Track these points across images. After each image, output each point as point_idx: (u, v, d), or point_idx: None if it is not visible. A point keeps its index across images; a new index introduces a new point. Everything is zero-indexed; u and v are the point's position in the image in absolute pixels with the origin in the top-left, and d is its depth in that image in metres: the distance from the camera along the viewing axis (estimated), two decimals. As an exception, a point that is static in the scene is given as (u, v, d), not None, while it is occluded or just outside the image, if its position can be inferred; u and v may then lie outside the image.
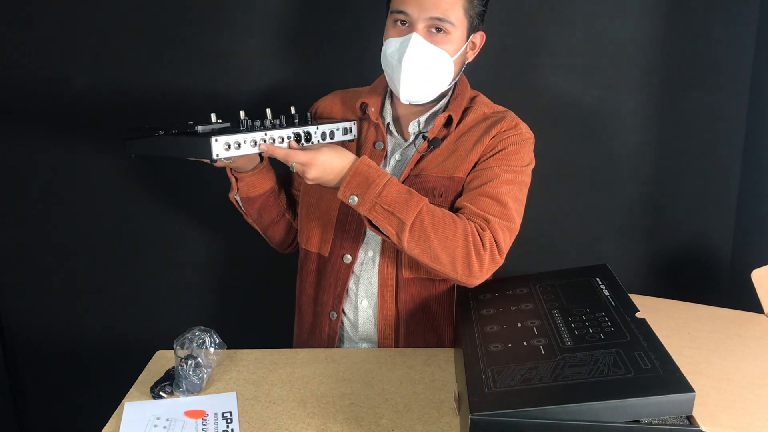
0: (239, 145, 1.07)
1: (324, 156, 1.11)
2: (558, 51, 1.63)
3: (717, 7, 1.58)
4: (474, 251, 1.12)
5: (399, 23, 1.18)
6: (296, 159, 1.10)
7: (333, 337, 1.30)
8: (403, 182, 1.23)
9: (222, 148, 1.05)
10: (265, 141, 1.10)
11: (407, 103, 1.25)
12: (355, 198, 1.12)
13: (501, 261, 1.17)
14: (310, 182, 1.14)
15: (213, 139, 1.04)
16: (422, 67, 1.17)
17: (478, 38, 1.24)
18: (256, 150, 1.10)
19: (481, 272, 1.14)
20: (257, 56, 1.65)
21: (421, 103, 1.25)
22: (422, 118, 1.27)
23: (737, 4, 1.57)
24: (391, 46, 1.19)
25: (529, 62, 1.64)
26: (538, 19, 1.61)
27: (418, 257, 1.13)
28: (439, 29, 1.16)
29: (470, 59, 1.26)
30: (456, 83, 1.29)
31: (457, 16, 1.16)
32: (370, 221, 1.14)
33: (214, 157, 1.05)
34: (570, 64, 1.63)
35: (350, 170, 1.12)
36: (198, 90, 1.66)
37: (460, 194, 1.22)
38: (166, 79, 1.65)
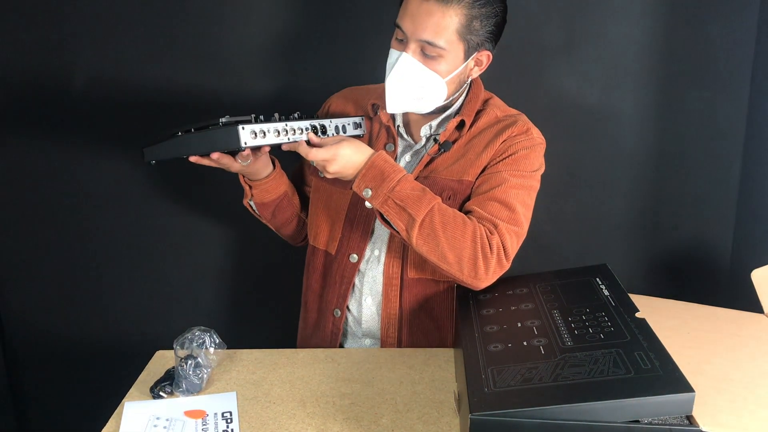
0: (264, 134, 1.10)
1: (345, 150, 1.13)
2: (558, 51, 1.63)
3: (717, 7, 1.58)
4: (481, 254, 1.13)
5: (399, 36, 1.18)
6: (318, 157, 1.12)
7: (336, 334, 1.31)
8: None
9: (249, 136, 1.08)
10: (287, 132, 1.13)
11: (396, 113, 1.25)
12: (369, 191, 1.13)
13: (507, 266, 1.17)
14: (330, 176, 1.16)
15: (240, 127, 1.06)
16: (408, 85, 1.17)
17: (484, 57, 1.21)
18: (278, 140, 1.12)
19: (486, 275, 1.15)
20: (259, 58, 1.65)
21: (420, 113, 1.25)
22: (434, 123, 1.27)
23: (737, 4, 1.57)
24: (390, 57, 1.20)
25: (530, 62, 1.64)
26: (538, 19, 1.61)
27: (425, 255, 1.14)
28: (430, 51, 1.15)
29: (475, 75, 1.24)
30: (470, 86, 1.29)
31: (449, 39, 1.14)
32: (382, 216, 1.15)
33: (242, 145, 1.07)
34: (570, 64, 1.63)
35: (366, 163, 1.13)
36: (199, 92, 1.65)
37: (468, 197, 1.22)
38: (167, 80, 1.65)
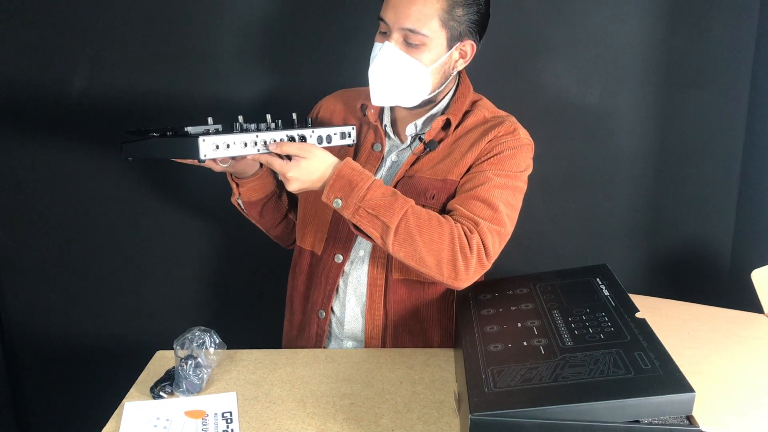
0: (228, 145, 1.07)
1: (298, 170, 1.11)
2: (558, 51, 1.63)
3: (717, 7, 1.58)
4: (460, 254, 1.11)
5: (382, 29, 1.18)
6: (283, 171, 1.11)
7: (321, 336, 1.30)
8: (396, 183, 1.23)
9: (210, 148, 1.06)
10: (255, 143, 1.11)
11: (384, 105, 1.25)
12: (339, 201, 1.12)
13: (488, 265, 1.15)
14: (296, 193, 1.15)
15: (201, 139, 1.04)
16: (391, 75, 1.17)
17: (468, 47, 1.21)
18: (246, 151, 1.10)
19: (467, 275, 1.13)
20: (258, 58, 1.65)
21: (407, 107, 1.25)
22: (419, 121, 1.27)
23: (737, 4, 1.57)
24: (373, 49, 1.20)
25: (529, 62, 1.64)
26: (538, 19, 1.61)
27: (403, 260, 1.12)
28: (413, 40, 1.15)
29: (460, 68, 1.24)
30: (457, 86, 1.28)
31: (432, 27, 1.14)
32: (355, 226, 1.14)
33: (202, 157, 1.05)
34: (570, 64, 1.63)
35: (333, 174, 1.12)
36: (199, 92, 1.66)
37: (452, 197, 1.21)
38: (167, 81, 1.65)
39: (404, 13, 1.13)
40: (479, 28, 1.21)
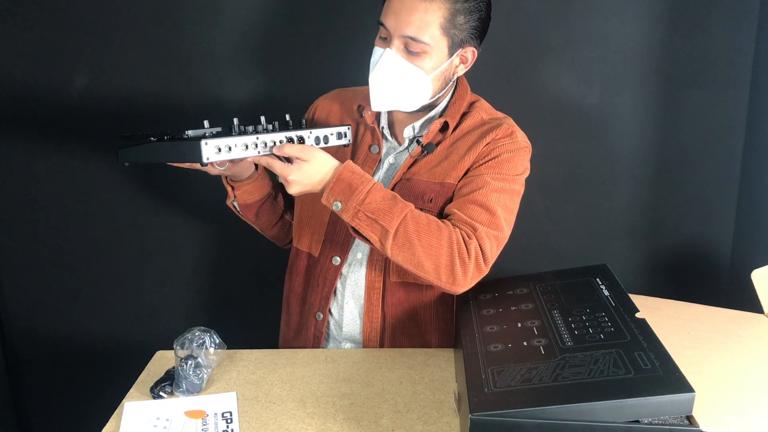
0: (230, 148, 1.07)
1: (299, 173, 1.10)
2: (558, 51, 1.63)
3: (717, 7, 1.58)
4: (458, 259, 1.11)
5: (382, 34, 1.18)
6: (283, 174, 1.11)
7: (319, 338, 1.30)
8: (394, 186, 1.23)
9: (212, 151, 1.05)
10: (256, 145, 1.10)
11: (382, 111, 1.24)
12: (339, 204, 1.11)
13: (486, 270, 1.15)
14: (296, 195, 1.15)
15: (203, 142, 1.03)
16: (392, 83, 1.16)
17: (469, 54, 1.21)
18: (247, 154, 1.09)
19: (464, 280, 1.12)
20: (257, 60, 1.65)
21: (406, 111, 1.24)
22: (417, 124, 1.26)
23: (737, 4, 1.57)
24: (373, 55, 1.19)
25: (530, 63, 1.64)
26: (538, 20, 1.61)
27: (402, 264, 1.12)
28: (414, 47, 1.14)
29: (460, 73, 1.24)
30: (455, 88, 1.28)
31: (432, 34, 1.13)
32: (354, 229, 1.13)
33: (204, 160, 1.04)
34: (570, 64, 1.63)
35: (333, 177, 1.11)
36: (198, 93, 1.65)
37: (450, 200, 1.21)
38: (167, 82, 1.65)
39: (405, 20, 1.12)
40: (480, 34, 1.20)
